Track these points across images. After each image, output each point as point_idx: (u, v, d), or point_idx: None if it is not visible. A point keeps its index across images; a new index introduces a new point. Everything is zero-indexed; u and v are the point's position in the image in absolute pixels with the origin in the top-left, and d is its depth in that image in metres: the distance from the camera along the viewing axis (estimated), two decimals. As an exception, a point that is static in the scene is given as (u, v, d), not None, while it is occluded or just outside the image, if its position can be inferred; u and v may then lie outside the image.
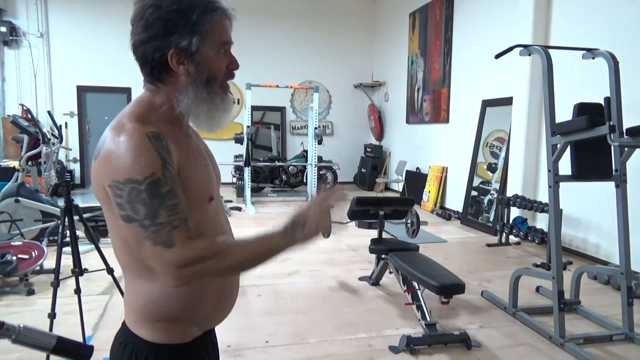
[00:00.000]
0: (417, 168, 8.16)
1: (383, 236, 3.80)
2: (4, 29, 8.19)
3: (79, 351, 0.79)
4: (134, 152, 0.90)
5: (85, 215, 3.24)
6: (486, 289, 3.70)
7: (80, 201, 4.42)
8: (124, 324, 1.08)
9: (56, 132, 6.82)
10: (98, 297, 3.47)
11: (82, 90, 8.94)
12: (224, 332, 2.92)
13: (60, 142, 7.03)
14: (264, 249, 0.97)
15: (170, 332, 1.04)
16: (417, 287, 3.12)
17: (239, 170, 7.97)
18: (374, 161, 9.41)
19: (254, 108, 8.35)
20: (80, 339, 2.48)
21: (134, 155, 0.90)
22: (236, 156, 8.31)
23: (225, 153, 8.86)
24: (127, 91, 8.80)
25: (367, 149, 9.83)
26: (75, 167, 9.06)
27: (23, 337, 0.74)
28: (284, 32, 9.66)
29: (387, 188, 9.36)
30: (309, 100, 9.56)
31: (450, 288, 2.80)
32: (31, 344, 0.75)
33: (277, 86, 7.92)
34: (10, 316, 3.10)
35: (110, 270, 3.04)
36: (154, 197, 0.90)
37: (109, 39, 8.55)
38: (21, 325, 0.72)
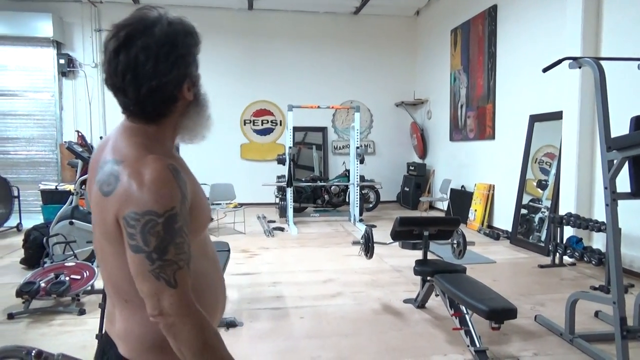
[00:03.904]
0: (462, 186, 7.95)
1: (428, 257, 3.69)
2: (62, 61, 8.75)
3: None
4: (157, 184, 0.91)
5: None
6: (540, 313, 3.51)
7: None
8: (119, 356, 1.04)
9: (108, 157, 7.15)
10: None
11: (132, 116, 9.35)
12: (265, 355, 2.90)
13: (112, 166, 7.36)
14: None
15: None
16: (465, 311, 2.99)
17: (281, 190, 8.04)
18: (418, 179, 9.25)
19: (296, 129, 8.43)
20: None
21: (157, 188, 0.90)
22: (279, 177, 8.39)
23: (268, 174, 8.99)
24: (174, 116, 9.13)
25: (410, 168, 9.69)
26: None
27: (62, 364, 0.74)
28: (324, 53, 9.77)
29: (431, 207, 9.17)
30: (350, 119, 9.57)
31: (501, 313, 2.66)
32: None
33: (319, 107, 7.98)
34: (63, 335, 3.21)
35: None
36: (167, 231, 0.90)
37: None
38: (60, 354, 0.73)
